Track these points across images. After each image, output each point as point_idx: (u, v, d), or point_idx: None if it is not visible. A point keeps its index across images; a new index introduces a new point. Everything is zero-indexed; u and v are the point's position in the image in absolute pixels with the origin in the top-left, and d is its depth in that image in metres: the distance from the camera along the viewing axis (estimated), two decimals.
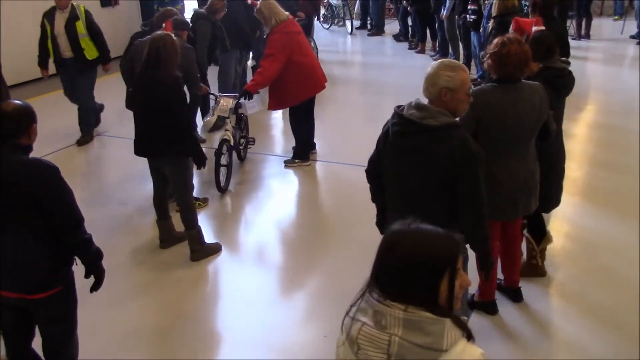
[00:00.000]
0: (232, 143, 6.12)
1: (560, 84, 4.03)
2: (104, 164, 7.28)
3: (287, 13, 6.26)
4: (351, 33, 13.95)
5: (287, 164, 6.72)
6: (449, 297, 1.64)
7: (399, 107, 3.06)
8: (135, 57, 5.59)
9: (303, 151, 6.72)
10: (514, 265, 4.13)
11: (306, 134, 6.72)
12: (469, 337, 1.64)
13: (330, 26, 14.62)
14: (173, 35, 4.80)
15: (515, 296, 4.18)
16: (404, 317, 1.59)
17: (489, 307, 4.07)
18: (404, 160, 3.02)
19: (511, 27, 4.68)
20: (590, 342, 3.83)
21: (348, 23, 14.26)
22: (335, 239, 5.23)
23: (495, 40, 3.66)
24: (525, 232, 4.41)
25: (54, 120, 7.95)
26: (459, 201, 3.01)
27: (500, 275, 4.15)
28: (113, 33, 11.37)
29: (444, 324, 1.59)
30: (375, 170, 3.27)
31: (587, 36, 12.35)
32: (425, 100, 3.04)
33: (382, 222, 3.39)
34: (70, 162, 6.97)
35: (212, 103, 6.58)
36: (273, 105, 6.46)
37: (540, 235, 4.40)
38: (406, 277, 1.62)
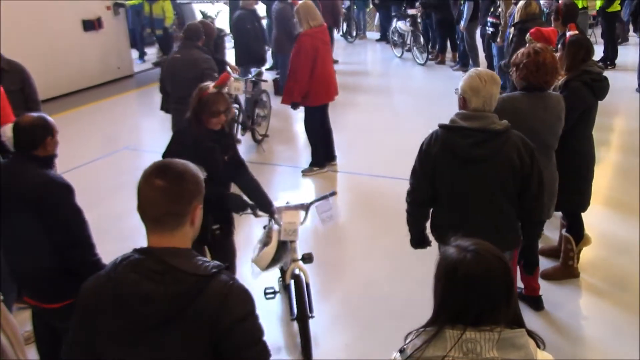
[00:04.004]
0: (307, 281, 3.78)
1: (598, 87, 4.11)
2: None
3: (322, 21, 6.39)
4: (424, 64, 11.75)
5: (305, 172, 6.78)
6: (517, 307, 1.67)
7: (447, 124, 3.07)
8: (165, 75, 5.70)
9: (318, 158, 6.79)
10: (535, 272, 4.11)
11: (319, 141, 6.78)
12: (538, 343, 1.67)
13: (402, 54, 12.52)
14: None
15: (537, 304, 4.13)
16: (499, 337, 1.58)
17: (534, 302, 4.11)
18: (476, 171, 3.02)
19: (528, 35, 4.68)
20: (617, 345, 3.79)
21: (417, 51, 12.00)
22: (357, 250, 5.20)
23: (524, 50, 3.71)
24: (564, 232, 4.42)
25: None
26: (527, 197, 3.06)
27: (520, 284, 4.12)
28: (100, 58, 10.94)
29: (526, 335, 1.62)
30: (426, 196, 3.21)
31: (625, 39, 12.26)
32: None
33: (424, 240, 3.40)
34: (102, 175, 7.07)
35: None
36: (284, 99, 6.55)
37: (579, 236, 4.42)
38: (491, 300, 1.60)
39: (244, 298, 1.79)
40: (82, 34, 10.58)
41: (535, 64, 3.59)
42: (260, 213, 3.77)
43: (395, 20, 12.59)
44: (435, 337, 1.62)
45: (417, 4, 11.87)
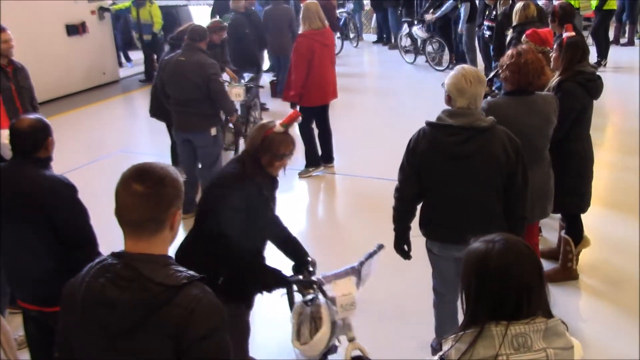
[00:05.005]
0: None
1: (592, 87, 4.11)
2: None
3: (323, 24, 6.35)
4: (444, 69, 11.17)
5: (302, 174, 6.76)
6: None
7: (433, 121, 3.10)
8: (168, 78, 5.58)
9: (312, 158, 6.79)
10: None
11: (314, 141, 6.78)
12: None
13: (415, 60, 12.17)
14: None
15: None
16: (545, 327, 1.60)
17: None
18: (462, 168, 3.04)
19: (524, 37, 4.67)
20: (617, 346, 3.79)
21: (437, 58, 11.72)
22: (355, 252, 5.12)
23: (509, 52, 3.70)
24: (563, 233, 4.42)
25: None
26: (513, 192, 3.07)
27: None
28: (84, 63, 10.71)
29: (561, 322, 1.65)
30: (413, 192, 3.24)
31: (632, 42, 12.23)
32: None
33: (407, 243, 3.43)
34: (98, 178, 7.02)
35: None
36: (284, 94, 6.69)
37: (578, 238, 4.41)
38: (526, 287, 1.60)
39: (213, 314, 1.67)
40: (66, 38, 10.39)
41: (516, 65, 3.56)
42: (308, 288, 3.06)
43: (406, 25, 12.36)
44: (480, 337, 1.57)
45: (429, 9, 11.51)
